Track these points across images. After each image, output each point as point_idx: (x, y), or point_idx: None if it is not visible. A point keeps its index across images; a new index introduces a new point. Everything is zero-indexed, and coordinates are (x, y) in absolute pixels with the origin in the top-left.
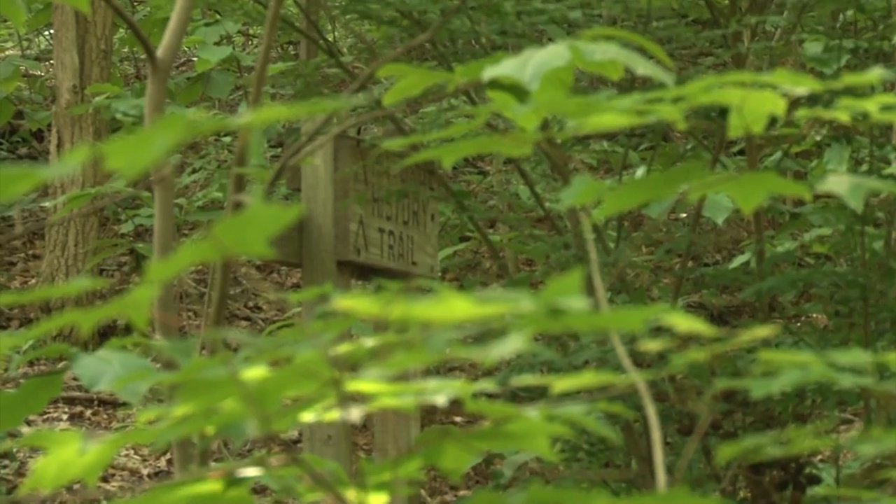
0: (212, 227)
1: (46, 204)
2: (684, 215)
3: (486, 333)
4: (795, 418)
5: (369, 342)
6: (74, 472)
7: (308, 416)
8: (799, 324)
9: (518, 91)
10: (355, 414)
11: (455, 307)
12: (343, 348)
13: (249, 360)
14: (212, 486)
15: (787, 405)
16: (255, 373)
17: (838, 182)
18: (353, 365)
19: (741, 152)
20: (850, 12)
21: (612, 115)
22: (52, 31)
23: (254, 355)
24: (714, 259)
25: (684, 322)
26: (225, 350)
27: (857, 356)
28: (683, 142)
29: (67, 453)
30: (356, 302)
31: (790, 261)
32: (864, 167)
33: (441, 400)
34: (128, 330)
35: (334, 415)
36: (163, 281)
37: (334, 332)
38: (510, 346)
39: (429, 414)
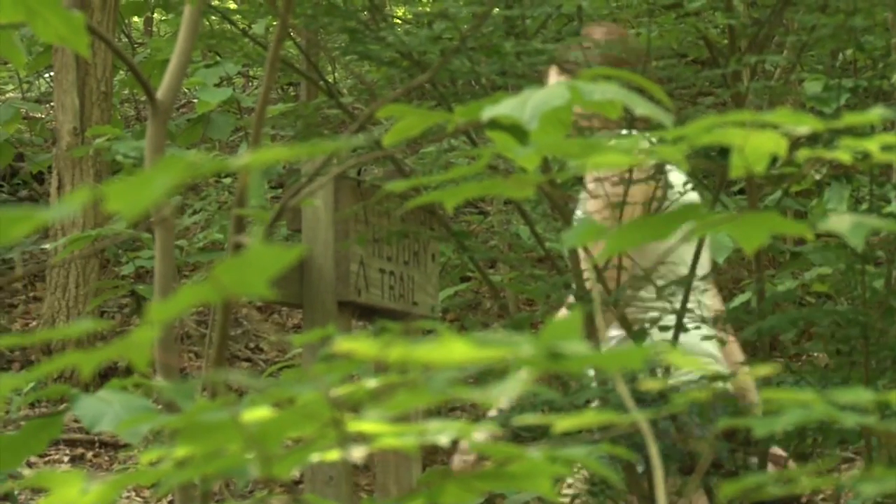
0: (212, 268)
1: (47, 246)
2: None
3: (487, 373)
4: (796, 457)
5: (370, 383)
6: None
7: (310, 458)
8: (800, 363)
9: (517, 131)
10: (357, 454)
11: (455, 350)
12: (344, 389)
13: (252, 401)
14: None
15: (787, 444)
16: (256, 414)
17: (839, 221)
18: (354, 406)
19: (741, 191)
20: (849, 51)
21: (613, 155)
22: (52, 74)
23: (257, 397)
24: None
25: (686, 362)
26: (226, 391)
27: (860, 395)
28: None
29: (70, 494)
30: (356, 344)
31: (791, 300)
32: (865, 206)
33: (444, 440)
34: (129, 371)
35: (336, 455)
36: (164, 322)
37: (338, 374)
38: (510, 387)
39: (430, 455)
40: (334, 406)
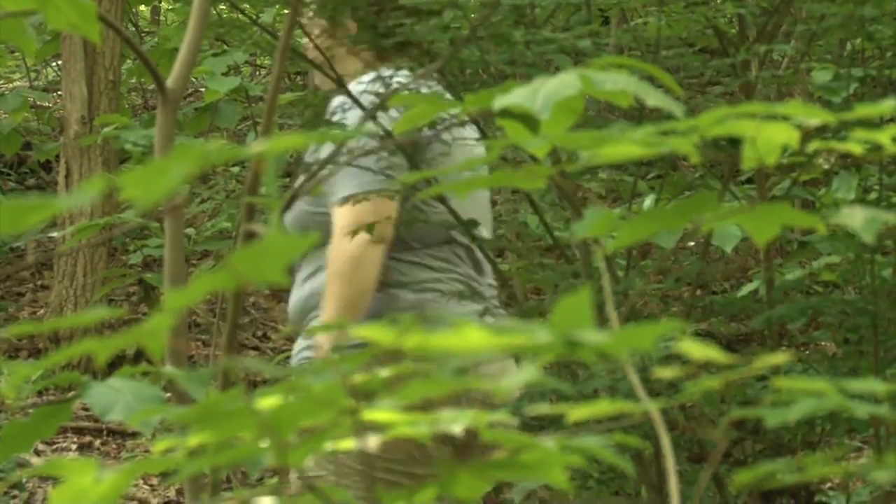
0: (228, 255)
1: (55, 234)
2: (693, 244)
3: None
4: (805, 446)
5: (384, 372)
6: (89, 501)
7: (324, 446)
8: (808, 352)
9: (529, 119)
10: (372, 443)
11: (472, 337)
12: (359, 378)
13: (266, 390)
14: None
15: (796, 433)
16: (270, 402)
17: (852, 215)
18: (367, 394)
19: (749, 181)
20: (858, 41)
21: (626, 146)
22: (60, 62)
23: (272, 385)
24: (723, 287)
25: (699, 350)
26: (237, 380)
27: (872, 384)
28: (692, 171)
29: (83, 482)
30: (372, 331)
31: (799, 289)
32: (873, 195)
33: (456, 429)
34: (137, 359)
35: (350, 444)
36: (179, 310)
37: (353, 363)
38: (523, 376)
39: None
40: (350, 394)
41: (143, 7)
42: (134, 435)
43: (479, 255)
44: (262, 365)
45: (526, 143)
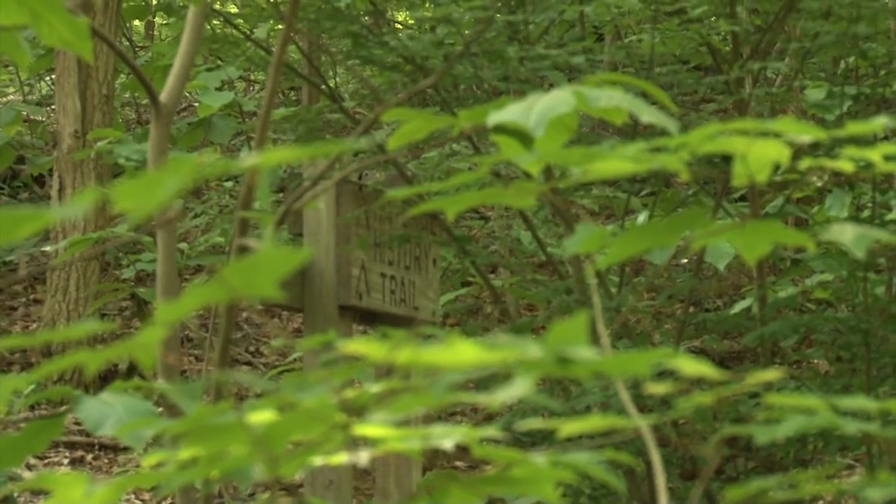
0: (221, 269)
1: (48, 248)
2: (685, 261)
3: (489, 378)
4: (797, 463)
5: (375, 387)
6: None
7: (315, 460)
8: (800, 369)
9: (523, 135)
10: (364, 457)
11: (463, 353)
12: (350, 393)
13: (256, 404)
14: None
15: (789, 450)
16: (262, 417)
17: (842, 231)
18: (359, 409)
19: (742, 198)
20: (851, 59)
21: (617, 162)
22: (53, 77)
23: (263, 399)
24: (716, 304)
25: (692, 366)
26: (229, 394)
27: (862, 402)
28: (685, 187)
29: (73, 496)
30: (363, 346)
31: (792, 306)
32: (866, 213)
33: (448, 445)
34: (129, 374)
35: (340, 458)
36: (170, 323)
37: (342, 377)
38: (516, 390)
39: (430, 459)
40: (342, 409)
41: (137, 22)
42: (126, 449)
43: None
44: (253, 379)
45: (519, 160)
